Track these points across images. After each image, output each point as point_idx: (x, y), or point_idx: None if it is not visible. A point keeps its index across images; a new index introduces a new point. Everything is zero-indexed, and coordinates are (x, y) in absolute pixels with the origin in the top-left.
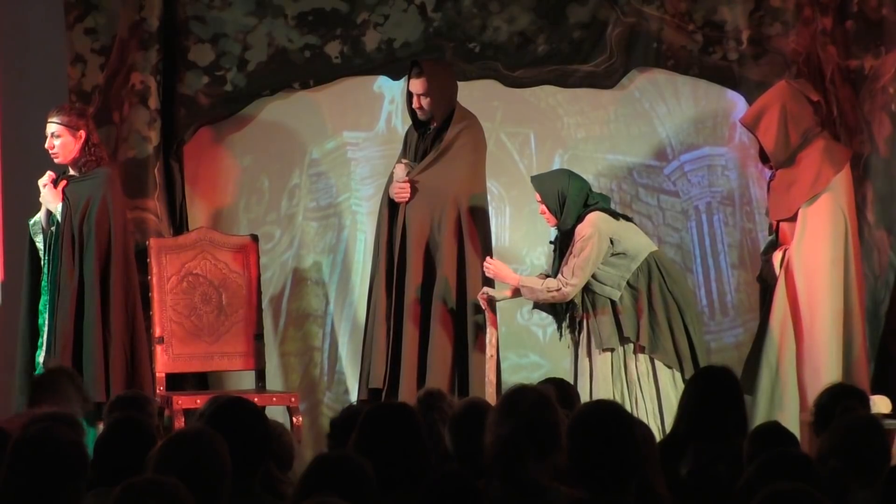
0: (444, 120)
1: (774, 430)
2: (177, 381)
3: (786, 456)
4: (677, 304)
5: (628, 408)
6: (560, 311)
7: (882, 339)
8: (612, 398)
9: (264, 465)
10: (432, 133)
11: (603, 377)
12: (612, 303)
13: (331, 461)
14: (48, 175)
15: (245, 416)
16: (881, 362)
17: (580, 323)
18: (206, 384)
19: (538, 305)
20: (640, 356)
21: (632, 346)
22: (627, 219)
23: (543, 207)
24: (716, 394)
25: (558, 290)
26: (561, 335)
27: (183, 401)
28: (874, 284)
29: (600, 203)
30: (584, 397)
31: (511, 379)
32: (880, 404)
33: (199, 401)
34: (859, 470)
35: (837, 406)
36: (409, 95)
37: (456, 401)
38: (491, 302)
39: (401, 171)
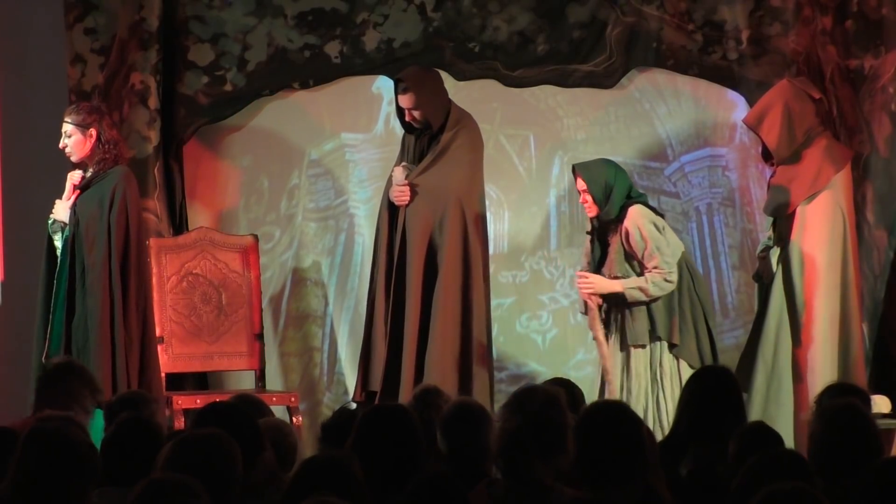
0: (440, 122)
1: (760, 429)
2: (177, 381)
3: (782, 456)
4: (702, 306)
5: (652, 405)
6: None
7: (881, 339)
8: (645, 393)
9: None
10: (428, 135)
11: (636, 373)
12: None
13: (319, 463)
14: (79, 174)
15: (234, 419)
16: (880, 362)
17: (614, 317)
18: (206, 384)
19: None
20: (668, 355)
21: (663, 343)
22: (661, 216)
23: (587, 196)
24: (715, 394)
25: (666, 280)
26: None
27: (183, 401)
28: (874, 284)
29: (642, 197)
30: (617, 390)
31: (509, 390)
32: (880, 404)
33: (199, 401)
34: (843, 454)
35: None
36: (400, 109)
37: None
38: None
39: (399, 174)
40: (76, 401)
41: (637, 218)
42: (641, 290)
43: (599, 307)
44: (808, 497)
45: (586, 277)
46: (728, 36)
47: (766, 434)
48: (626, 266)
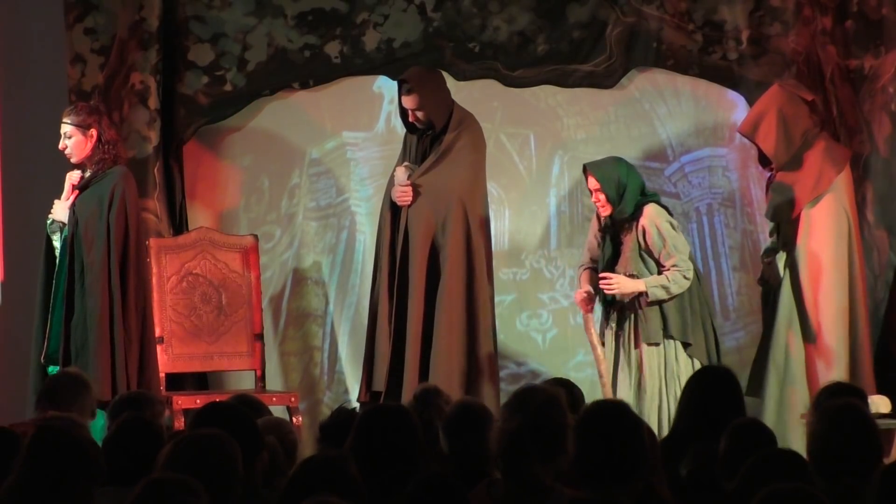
0: (443, 123)
1: (752, 426)
2: (177, 381)
3: (782, 456)
4: (707, 306)
5: (666, 403)
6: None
7: (882, 339)
8: (659, 392)
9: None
10: (431, 135)
11: (650, 371)
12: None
13: (317, 463)
14: (78, 175)
15: (233, 419)
16: (881, 362)
17: (627, 315)
18: (206, 384)
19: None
20: (684, 354)
21: (676, 342)
22: (671, 215)
23: (599, 195)
24: (715, 393)
25: (684, 277)
26: (607, 325)
27: (183, 401)
28: (874, 284)
29: (655, 196)
30: (632, 388)
31: (509, 389)
32: (880, 404)
33: (198, 401)
34: (843, 454)
35: None
36: (404, 110)
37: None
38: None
39: (402, 174)
40: (82, 414)
41: (654, 217)
42: (664, 288)
43: (602, 305)
44: (808, 497)
45: (609, 278)
46: (728, 36)
47: (758, 431)
48: (641, 264)
